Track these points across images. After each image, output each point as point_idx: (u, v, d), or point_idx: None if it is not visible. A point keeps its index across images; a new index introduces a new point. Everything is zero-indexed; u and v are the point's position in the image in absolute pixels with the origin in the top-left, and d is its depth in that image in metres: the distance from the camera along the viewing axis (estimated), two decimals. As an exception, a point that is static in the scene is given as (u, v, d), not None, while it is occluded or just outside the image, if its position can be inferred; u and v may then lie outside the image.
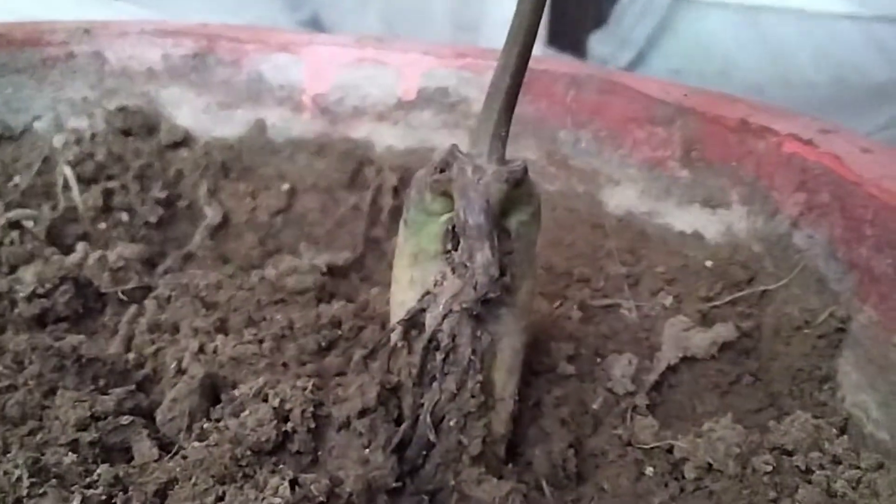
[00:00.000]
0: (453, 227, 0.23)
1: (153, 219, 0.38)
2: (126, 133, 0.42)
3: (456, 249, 0.23)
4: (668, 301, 0.30)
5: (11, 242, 0.34)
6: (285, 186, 0.41)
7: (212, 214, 0.40)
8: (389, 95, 0.42)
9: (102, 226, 0.38)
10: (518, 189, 0.23)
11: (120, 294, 0.32)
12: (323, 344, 0.28)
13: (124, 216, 0.38)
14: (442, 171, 0.23)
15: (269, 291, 0.31)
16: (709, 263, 0.31)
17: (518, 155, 0.38)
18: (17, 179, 0.39)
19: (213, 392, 0.25)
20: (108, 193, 0.38)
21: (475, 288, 0.22)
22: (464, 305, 0.23)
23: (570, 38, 1.22)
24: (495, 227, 0.23)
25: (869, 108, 1.01)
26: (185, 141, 0.43)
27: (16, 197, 0.37)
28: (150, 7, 0.82)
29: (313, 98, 0.43)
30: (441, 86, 0.41)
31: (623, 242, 0.34)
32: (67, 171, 0.38)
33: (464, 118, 0.41)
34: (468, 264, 0.22)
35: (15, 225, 0.35)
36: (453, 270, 0.22)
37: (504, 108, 0.22)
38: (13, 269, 0.33)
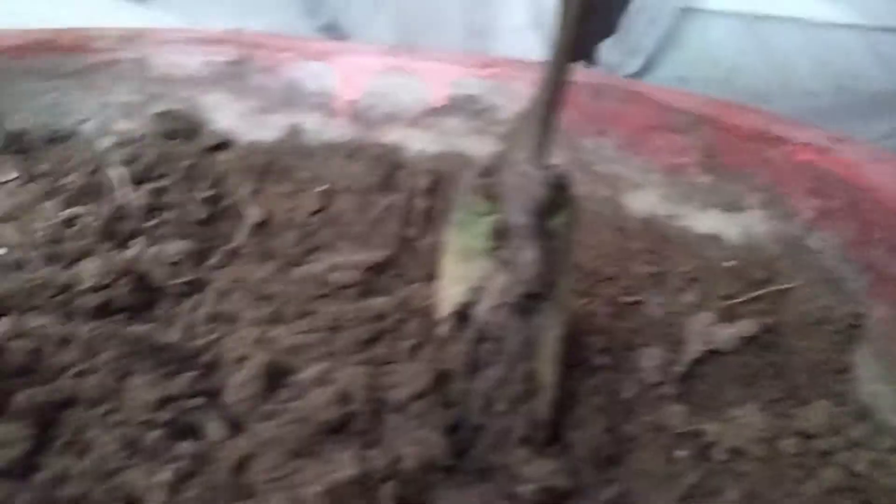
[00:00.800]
0: (500, 227, 0.25)
1: (200, 217, 0.40)
2: (169, 136, 0.44)
3: (503, 248, 0.25)
4: (692, 299, 0.32)
5: (70, 238, 0.36)
6: (322, 188, 0.43)
7: (254, 213, 0.41)
8: (419, 102, 0.45)
9: (152, 222, 0.40)
10: (559, 193, 0.25)
11: (174, 287, 0.34)
12: (370, 335, 0.30)
13: (172, 214, 0.40)
14: (489, 175, 0.26)
15: (316, 286, 0.33)
16: (729, 264, 0.33)
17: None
18: (69, 178, 0.41)
19: (275, 377, 0.27)
20: (156, 192, 0.40)
21: (521, 283, 0.24)
22: (511, 300, 0.25)
23: (580, 47, 1.23)
24: (539, 228, 0.25)
25: (870, 117, 1.03)
26: (225, 144, 0.45)
27: (70, 195, 0.39)
28: (168, 10, 0.84)
29: (346, 104, 0.45)
30: (469, 94, 0.44)
31: (646, 244, 0.36)
32: (118, 171, 0.40)
33: (490, 125, 0.43)
34: (515, 262, 0.24)
35: (71, 222, 0.36)
36: (500, 267, 0.24)
37: (547, 117, 0.25)
38: (72, 262, 0.35)
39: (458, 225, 0.26)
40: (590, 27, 1.26)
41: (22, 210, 0.37)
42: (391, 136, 0.45)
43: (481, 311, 0.25)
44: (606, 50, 1.19)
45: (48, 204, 0.38)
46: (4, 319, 0.28)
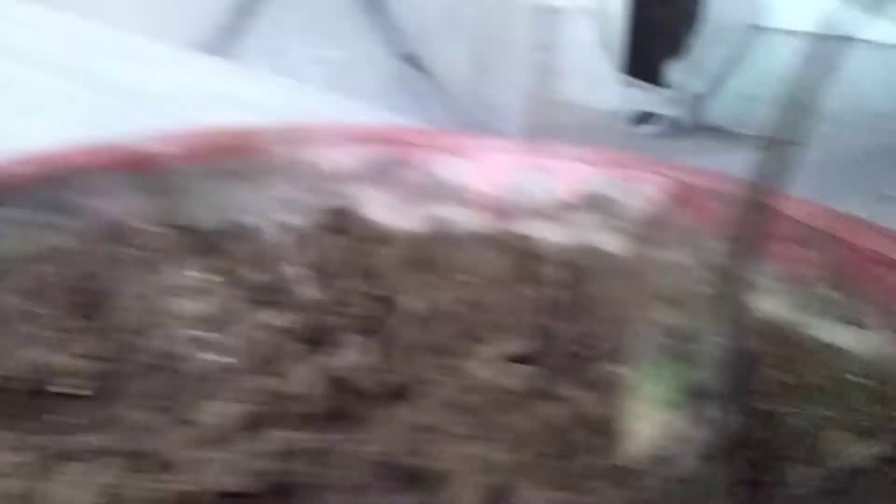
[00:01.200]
0: (697, 389, 0.29)
1: (375, 313, 0.45)
2: (331, 230, 0.49)
3: (698, 405, 0.29)
4: (826, 411, 0.37)
5: (267, 342, 0.41)
6: (472, 279, 0.48)
7: (406, 303, 0.46)
8: (553, 198, 0.49)
9: (332, 319, 0.45)
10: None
11: (372, 391, 0.39)
12: (560, 452, 0.35)
13: (351, 310, 0.45)
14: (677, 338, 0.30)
15: (491, 391, 0.38)
16: (858, 378, 0.37)
17: (672, 257, 0.45)
18: (253, 276, 0.46)
19: (496, 499, 0.32)
20: (335, 290, 0.45)
21: (722, 441, 0.28)
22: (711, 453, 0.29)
23: (646, 67, 1.28)
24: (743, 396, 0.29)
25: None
26: (379, 236, 0.50)
27: (256, 295, 0.44)
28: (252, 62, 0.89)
29: (484, 198, 0.50)
30: (600, 192, 0.48)
31: (777, 349, 0.41)
32: (297, 269, 0.45)
33: (619, 220, 0.48)
34: (715, 423, 0.29)
35: (267, 325, 0.42)
36: (697, 422, 0.29)
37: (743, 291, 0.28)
38: (267, 363, 0.41)
39: (643, 371, 0.31)
40: (658, 48, 1.30)
41: (219, 312, 0.43)
42: (525, 228, 0.50)
43: (677, 454, 0.30)
44: (674, 70, 1.23)
45: (242, 306, 0.43)
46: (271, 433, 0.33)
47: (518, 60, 1.24)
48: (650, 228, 0.46)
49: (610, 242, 0.48)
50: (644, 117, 1.24)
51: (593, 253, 0.48)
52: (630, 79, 1.29)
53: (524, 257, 0.48)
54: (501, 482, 0.32)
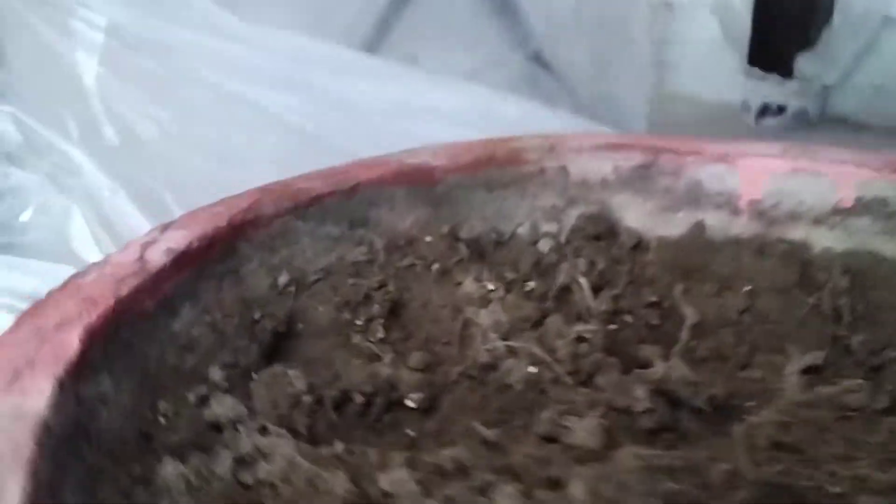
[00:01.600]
0: None
1: (652, 321, 0.45)
2: (593, 238, 0.49)
3: None
4: None
5: (583, 355, 0.41)
6: (747, 288, 0.47)
7: (691, 314, 0.46)
8: (824, 202, 0.48)
9: (612, 328, 0.44)
10: None
11: (697, 404, 0.38)
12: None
13: (629, 318, 0.45)
14: None
15: (821, 405, 0.37)
16: None
17: None
18: (531, 284, 0.46)
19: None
20: (614, 299, 0.45)
21: None
22: None
23: (774, 59, 1.26)
24: None
25: None
26: (639, 243, 0.49)
27: (542, 304, 0.44)
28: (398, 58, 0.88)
29: (748, 203, 0.49)
30: (879, 196, 0.47)
31: None
32: (580, 278, 0.45)
33: (901, 225, 0.47)
34: None
35: (580, 337, 0.42)
36: None
37: None
38: (582, 373, 0.40)
39: None
40: (784, 37, 1.27)
41: (518, 322, 0.43)
42: (795, 233, 0.49)
43: None
44: (804, 61, 1.20)
45: (535, 315, 0.43)
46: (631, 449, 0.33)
47: (639, 56, 1.24)
48: (939, 233, 0.45)
49: (891, 248, 0.46)
50: (768, 110, 1.22)
51: (873, 258, 0.46)
52: (757, 71, 1.27)
53: (800, 264, 0.47)
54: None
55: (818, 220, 0.48)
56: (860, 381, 0.39)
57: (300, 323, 0.40)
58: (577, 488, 0.30)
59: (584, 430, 0.34)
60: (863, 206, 0.47)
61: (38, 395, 0.26)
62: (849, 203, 0.48)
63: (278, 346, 0.39)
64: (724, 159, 0.49)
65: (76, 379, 0.28)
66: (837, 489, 0.32)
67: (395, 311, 0.42)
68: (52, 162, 0.53)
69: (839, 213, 0.48)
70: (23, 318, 0.30)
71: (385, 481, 0.30)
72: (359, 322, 0.41)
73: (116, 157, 0.57)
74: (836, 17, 1.15)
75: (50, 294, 0.32)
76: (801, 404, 0.38)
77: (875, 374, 0.41)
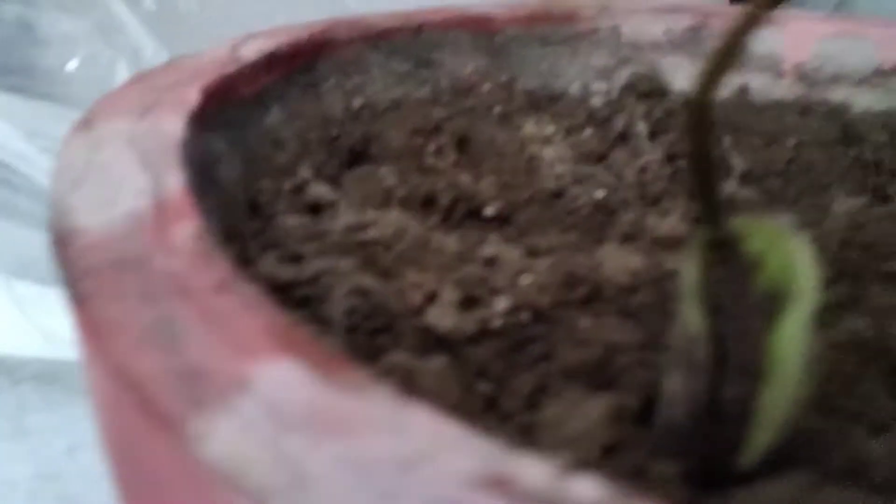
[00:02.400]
0: None
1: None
2: (643, 95, 0.50)
3: None
4: None
5: (650, 182, 0.42)
6: (791, 141, 0.49)
7: (739, 163, 0.47)
8: (867, 64, 0.50)
9: (670, 170, 0.46)
10: None
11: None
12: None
13: (683, 163, 0.46)
14: None
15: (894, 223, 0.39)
16: None
17: None
18: (588, 131, 0.47)
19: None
20: (669, 144, 0.46)
21: None
22: None
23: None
24: None
25: None
26: (686, 103, 0.50)
27: (602, 144, 0.45)
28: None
29: (792, 66, 0.51)
30: None
31: None
32: (640, 125, 0.46)
33: (948, 85, 0.48)
34: None
35: (644, 169, 0.43)
36: None
37: None
38: (654, 200, 0.42)
39: None
40: None
41: (592, 157, 0.44)
42: (837, 95, 0.51)
43: None
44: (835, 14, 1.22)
45: (598, 151, 0.44)
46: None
47: None
48: (980, 88, 0.47)
49: (931, 105, 0.48)
50: None
51: (911, 115, 0.48)
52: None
53: (841, 121, 0.48)
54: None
55: (860, 82, 0.50)
56: None
57: (374, 145, 0.41)
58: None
59: (667, 224, 0.36)
60: (905, 67, 0.49)
61: (171, 124, 0.27)
62: (891, 65, 0.49)
63: (356, 164, 0.39)
64: (770, 22, 0.50)
65: (201, 126, 0.28)
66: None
67: (461, 145, 0.43)
68: (99, 16, 0.53)
69: (881, 74, 0.49)
70: (129, 82, 0.31)
71: (489, 249, 0.31)
72: (431, 148, 0.41)
73: (157, 21, 0.57)
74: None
75: (148, 70, 0.32)
76: (862, 217, 0.40)
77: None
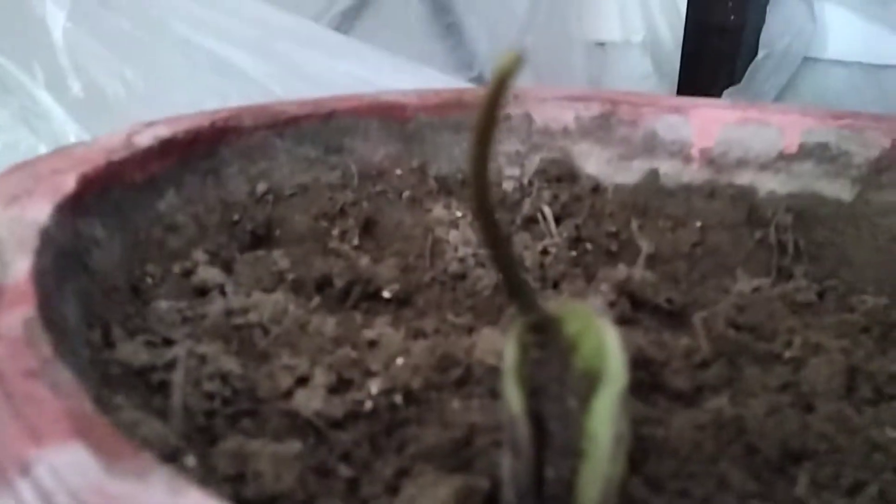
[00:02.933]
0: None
1: (611, 248, 0.47)
2: (554, 180, 0.51)
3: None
4: None
5: (549, 265, 0.43)
6: (697, 224, 0.50)
7: (646, 246, 0.48)
8: (770, 149, 0.51)
9: (573, 253, 0.47)
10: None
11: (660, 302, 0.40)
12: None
13: (589, 246, 0.47)
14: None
15: (787, 304, 0.40)
16: None
17: None
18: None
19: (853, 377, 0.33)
20: (576, 227, 0.47)
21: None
22: None
23: (702, 93, 1.32)
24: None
25: None
26: (597, 187, 0.52)
27: (510, 228, 0.46)
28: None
29: (700, 152, 0.52)
30: (821, 141, 0.50)
31: None
32: (546, 209, 0.47)
33: (844, 168, 0.50)
34: None
35: (545, 250, 0.43)
36: None
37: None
38: (549, 280, 0.42)
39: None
40: (710, 73, 1.34)
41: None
42: (743, 178, 0.52)
43: None
44: (729, 98, 1.26)
45: (519, 236, 0.45)
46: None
47: (571, 84, 1.29)
48: (876, 173, 0.48)
49: (833, 189, 0.50)
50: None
51: (816, 199, 0.49)
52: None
53: (747, 204, 0.49)
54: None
55: (765, 166, 0.51)
56: (809, 282, 0.42)
57: (278, 229, 0.41)
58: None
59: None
60: (806, 152, 0.51)
61: (38, 212, 0.27)
62: (793, 149, 0.51)
63: (257, 248, 0.40)
64: (678, 110, 0.52)
65: (73, 212, 0.29)
66: (790, 354, 0.34)
67: (368, 228, 0.44)
68: (22, 103, 0.54)
69: (784, 159, 0.51)
70: (12, 169, 0.31)
71: (370, 333, 0.32)
72: (335, 231, 0.42)
73: (83, 107, 0.58)
74: (761, 55, 1.21)
75: (37, 157, 0.33)
76: (755, 297, 0.40)
77: (819, 298, 0.44)
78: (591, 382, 0.18)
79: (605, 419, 0.18)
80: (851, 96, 1.22)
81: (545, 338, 0.19)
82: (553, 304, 0.19)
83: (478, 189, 0.17)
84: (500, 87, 0.15)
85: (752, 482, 0.24)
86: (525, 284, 0.19)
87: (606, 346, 0.18)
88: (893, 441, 0.25)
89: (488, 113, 0.15)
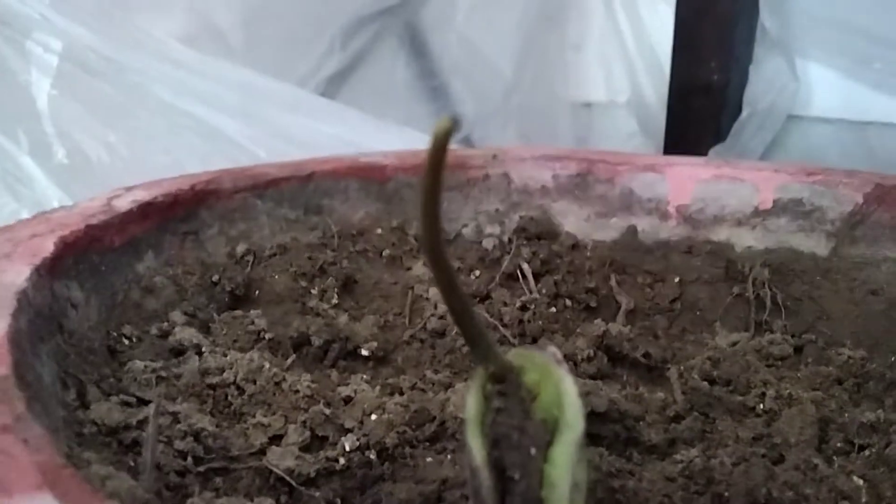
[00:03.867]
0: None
1: (591, 304, 0.48)
2: (534, 237, 0.52)
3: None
4: None
5: (528, 321, 0.43)
6: (676, 279, 0.50)
7: (626, 302, 0.49)
8: (746, 205, 0.52)
9: (553, 310, 0.47)
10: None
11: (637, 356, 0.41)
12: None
13: (569, 302, 0.48)
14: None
15: (762, 358, 0.40)
16: None
17: (876, 254, 0.47)
18: (476, 273, 0.48)
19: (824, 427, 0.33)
20: (554, 284, 0.48)
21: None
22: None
23: (688, 151, 1.34)
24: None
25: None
26: (576, 244, 0.52)
27: (491, 286, 0.47)
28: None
29: (677, 208, 0.53)
30: (795, 197, 0.51)
31: None
32: (525, 266, 0.48)
33: (819, 223, 0.51)
34: None
35: (525, 306, 0.44)
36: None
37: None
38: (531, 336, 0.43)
39: None
40: (696, 131, 1.35)
41: (476, 297, 0.45)
42: (720, 234, 0.53)
43: None
44: (715, 154, 1.28)
45: (498, 292, 0.45)
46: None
47: (559, 142, 1.31)
48: (850, 228, 0.49)
49: (809, 243, 0.50)
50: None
51: (792, 254, 0.50)
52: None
53: (725, 260, 0.50)
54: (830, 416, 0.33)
55: (741, 222, 0.52)
56: (785, 336, 0.43)
57: (257, 290, 0.42)
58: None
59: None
60: (781, 207, 0.51)
61: (16, 275, 0.27)
62: (768, 205, 0.52)
63: (235, 308, 0.40)
64: (653, 168, 0.53)
65: (50, 275, 0.29)
66: (763, 406, 0.34)
67: (347, 287, 0.44)
68: (5, 168, 0.54)
69: (759, 215, 0.52)
70: (-6, 234, 0.31)
71: (345, 390, 0.32)
72: (314, 291, 0.42)
73: (67, 172, 0.58)
74: (745, 113, 1.23)
75: (17, 222, 0.33)
76: (730, 351, 0.41)
77: (796, 352, 0.44)
78: (550, 431, 0.19)
79: (562, 467, 0.18)
80: (837, 153, 1.23)
81: (505, 387, 0.19)
82: (512, 353, 0.20)
83: (430, 243, 0.17)
84: (439, 148, 0.16)
85: (720, 533, 0.24)
86: (483, 335, 0.19)
87: (564, 394, 0.19)
88: (860, 489, 0.25)
89: (432, 172, 0.16)
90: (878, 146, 1.21)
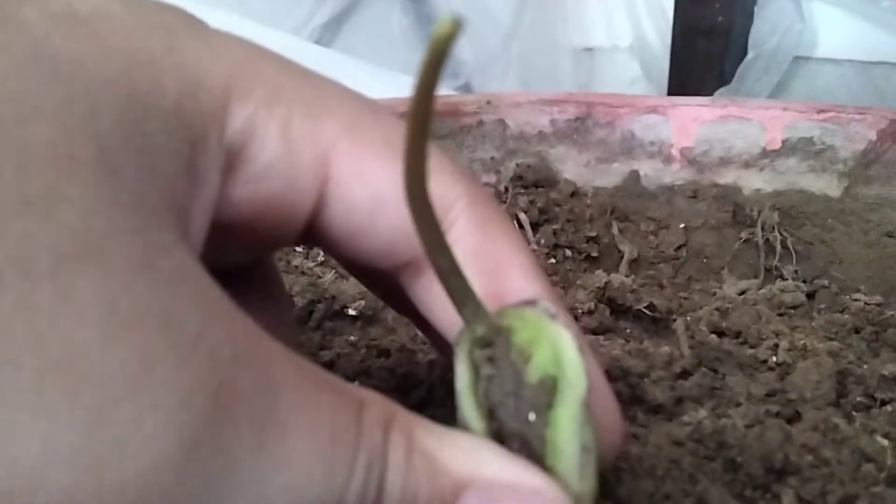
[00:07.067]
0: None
1: (593, 254, 0.45)
2: (531, 185, 0.49)
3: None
4: None
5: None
6: (681, 225, 0.48)
7: (628, 250, 0.46)
8: (753, 146, 0.50)
9: (552, 261, 0.45)
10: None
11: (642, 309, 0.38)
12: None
13: (569, 252, 0.45)
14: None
15: (774, 306, 0.38)
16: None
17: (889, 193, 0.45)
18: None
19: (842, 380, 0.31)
20: (554, 234, 0.45)
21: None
22: None
23: (692, 95, 1.31)
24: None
25: None
26: (576, 191, 0.50)
27: None
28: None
29: (681, 151, 0.51)
30: (805, 136, 0.49)
31: None
32: (523, 215, 0.45)
33: (830, 163, 0.48)
34: None
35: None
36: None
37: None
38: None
39: None
40: (699, 74, 1.32)
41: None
42: (726, 177, 0.50)
43: None
44: (720, 97, 1.24)
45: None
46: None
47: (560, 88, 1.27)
48: (863, 167, 0.47)
49: (820, 185, 0.48)
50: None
51: (802, 196, 0.48)
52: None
53: (732, 204, 0.48)
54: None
55: (748, 163, 0.50)
56: (797, 282, 0.40)
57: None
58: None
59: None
60: (790, 147, 0.49)
61: None
62: (776, 145, 0.49)
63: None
64: (655, 110, 0.50)
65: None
66: (776, 359, 0.32)
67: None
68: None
69: (767, 155, 0.49)
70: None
71: (328, 354, 0.30)
72: (298, 248, 0.40)
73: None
74: (750, 55, 1.20)
75: None
76: (739, 300, 0.39)
77: (808, 299, 0.42)
78: (549, 392, 0.17)
79: (567, 429, 0.16)
80: (844, 94, 1.20)
81: (494, 352, 0.17)
82: (498, 312, 0.18)
83: (414, 186, 0.15)
84: (435, 60, 0.13)
85: (733, 502, 0.22)
86: (472, 295, 0.17)
87: (562, 351, 0.16)
88: (884, 450, 0.23)
89: (423, 91, 0.13)
90: (885, 87, 1.18)
